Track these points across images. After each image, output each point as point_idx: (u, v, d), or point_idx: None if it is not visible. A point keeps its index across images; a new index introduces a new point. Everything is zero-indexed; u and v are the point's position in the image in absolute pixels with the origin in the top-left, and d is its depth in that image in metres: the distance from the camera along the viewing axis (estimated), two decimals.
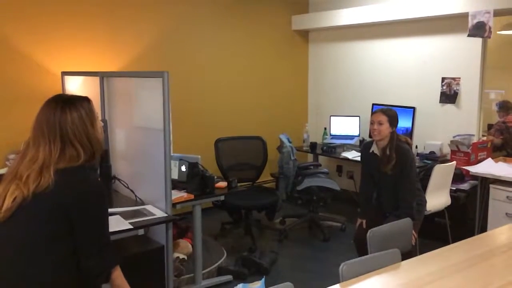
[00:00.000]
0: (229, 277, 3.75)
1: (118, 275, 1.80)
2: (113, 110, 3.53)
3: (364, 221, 3.55)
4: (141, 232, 2.69)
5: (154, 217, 2.84)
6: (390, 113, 3.36)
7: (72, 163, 1.72)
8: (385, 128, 3.31)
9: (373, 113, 3.43)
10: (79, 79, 4.05)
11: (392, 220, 2.89)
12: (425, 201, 3.53)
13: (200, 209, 3.44)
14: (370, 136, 5.40)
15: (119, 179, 3.30)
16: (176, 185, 3.41)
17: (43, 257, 1.66)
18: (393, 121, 3.34)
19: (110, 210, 2.85)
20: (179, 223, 4.17)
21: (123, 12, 4.71)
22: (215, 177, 3.57)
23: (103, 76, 3.59)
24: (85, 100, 1.83)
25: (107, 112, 3.56)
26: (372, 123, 3.36)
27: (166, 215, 2.90)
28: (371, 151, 3.47)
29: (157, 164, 2.95)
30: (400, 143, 3.35)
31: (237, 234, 4.71)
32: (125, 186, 3.24)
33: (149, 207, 3.00)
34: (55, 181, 1.66)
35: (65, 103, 1.77)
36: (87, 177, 1.74)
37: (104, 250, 1.74)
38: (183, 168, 3.55)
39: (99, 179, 1.83)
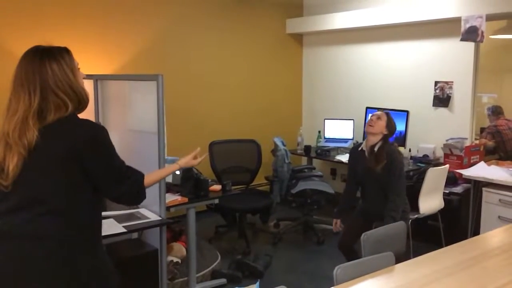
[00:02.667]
0: (223, 281, 3.75)
1: (147, 182, 1.95)
2: (107, 113, 3.52)
3: (338, 222, 3.61)
4: (134, 235, 2.68)
5: (148, 220, 2.83)
6: (391, 117, 3.42)
7: (61, 113, 1.70)
8: (381, 125, 3.33)
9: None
10: None
11: (379, 226, 2.91)
12: (409, 209, 3.51)
13: (194, 212, 3.43)
14: (363, 139, 5.42)
15: None
16: (170, 188, 3.40)
17: (54, 211, 1.67)
18: (391, 125, 3.38)
19: (103, 213, 2.85)
20: (173, 226, 4.16)
21: (117, 14, 4.71)
22: (209, 180, 3.57)
23: (97, 79, 3.58)
24: (63, 50, 1.82)
25: (101, 115, 3.55)
26: (371, 116, 3.39)
27: (160, 218, 2.89)
28: (360, 148, 3.48)
29: (151, 167, 2.93)
30: (392, 146, 3.37)
31: (231, 237, 4.70)
32: None
33: (142, 211, 2.99)
34: (49, 136, 1.65)
35: (43, 54, 1.75)
36: (83, 120, 1.75)
37: (128, 175, 1.85)
38: (177, 171, 3.54)
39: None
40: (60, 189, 1.68)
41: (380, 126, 3.34)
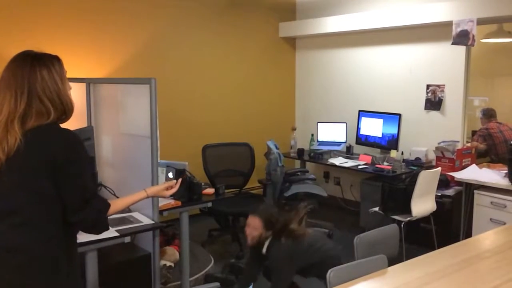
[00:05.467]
0: (216, 284, 3.74)
1: (112, 211, 1.84)
2: (100, 117, 3.51)
3: None
4: (127, 239, 2.66)
5: (141, 224, 2.82)
6: (268, 213, 3.12)
7: (41, 121, 1.67)
8: (257, 228, 3.06)
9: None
10: None
11: None
12: None
13: (187, 216, 3.42)
14: (356, 142, 5.45)
15: (105, 186, 3.27)
16: None
17: (27, 223, 1.64)
18: (270, 223, 3.07)
19: None
20: (166, 230, 4.15)
21: (110, 18, 4.70)
22: (203, 183, 3.56)
23: (89, 83, 3.57)
24: (54, 57, 1.79)
25: (94, 119, 3.54)
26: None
27: (153, 222, 2.88)
28: None
29: (144, 171, 2.93)
30: (280, 244, 3.01)
31: (225, 241, 4.69)
32: (111, 193, 3.21)
33: (135, 214, 2.98)
34: (27, 143, 1.62)
35: (34, 59, 1.73)
36: (61, 131, 1.71)
37: (91, 202, 1.73)
38: (170, 175, 3.53)
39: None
40: (33, 200, 1.64)
41: (256, 230, 3.04)
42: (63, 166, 1.66)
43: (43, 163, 1.63)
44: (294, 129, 5.77)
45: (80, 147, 1.73)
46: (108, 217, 1.84)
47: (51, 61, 1.75)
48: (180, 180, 2.27)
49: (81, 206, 1.70)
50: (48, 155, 1.64)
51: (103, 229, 1.82)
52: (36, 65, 1.71)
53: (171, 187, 2.20)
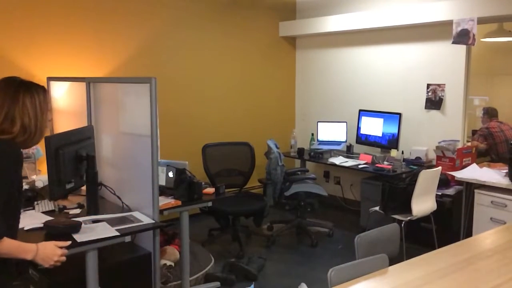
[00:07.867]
0: (216, 284, 3.74)
1: (3, 243, 1.62)
2: (100, 116, 3.51)
3: None
4: (128, 239, 2.66)
5: (141, 223, 2.81)
6: None
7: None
8: None
9: None
10: (65, 84, 4.01)
11: None
12: None
13: (188, 216, 3.42)
14: (357, 142, 5.45)
15: (105, 186, 3.26)
16: (163, 191, 3.39)
17: None
18: None
19: (96, 216, 2.84)
20: (166, 229, 4.15)
21: (110, 17, 4.69)
22: (203, 183, 3.56)
23: (89, 82, 3.56)
24: (40, 88, 1.83)
25: (94, 118, 3.53)
26: None
27: (153, 221, 2.87)
28: None
29: (144, 170, 2.93)
30: None
31: (225, 240, 4.69)
32: (111, 192, 3.21)
33: (136, 214, 2.97)
34: None
35: (20, 85, 1.77)
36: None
37: None
38: (171, 174, 3.53)
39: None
40: None
41: None
42: None
43: None
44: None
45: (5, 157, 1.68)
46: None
47: (36, 90, 1.80)
48: (68, 242, 2.06)
49: None
50: None
51: None
52: (20, 91, 1.76)
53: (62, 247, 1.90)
